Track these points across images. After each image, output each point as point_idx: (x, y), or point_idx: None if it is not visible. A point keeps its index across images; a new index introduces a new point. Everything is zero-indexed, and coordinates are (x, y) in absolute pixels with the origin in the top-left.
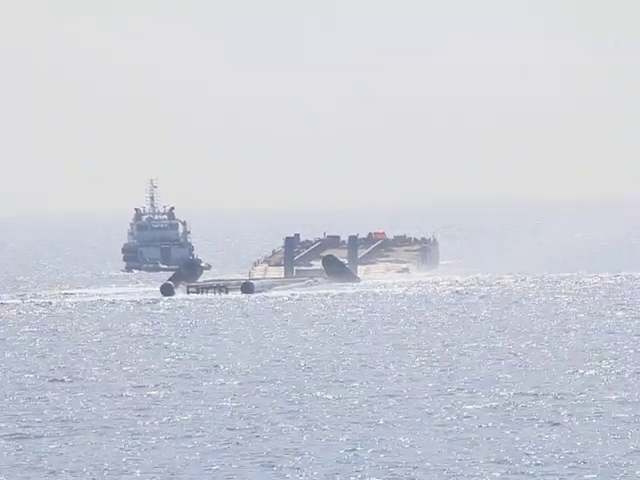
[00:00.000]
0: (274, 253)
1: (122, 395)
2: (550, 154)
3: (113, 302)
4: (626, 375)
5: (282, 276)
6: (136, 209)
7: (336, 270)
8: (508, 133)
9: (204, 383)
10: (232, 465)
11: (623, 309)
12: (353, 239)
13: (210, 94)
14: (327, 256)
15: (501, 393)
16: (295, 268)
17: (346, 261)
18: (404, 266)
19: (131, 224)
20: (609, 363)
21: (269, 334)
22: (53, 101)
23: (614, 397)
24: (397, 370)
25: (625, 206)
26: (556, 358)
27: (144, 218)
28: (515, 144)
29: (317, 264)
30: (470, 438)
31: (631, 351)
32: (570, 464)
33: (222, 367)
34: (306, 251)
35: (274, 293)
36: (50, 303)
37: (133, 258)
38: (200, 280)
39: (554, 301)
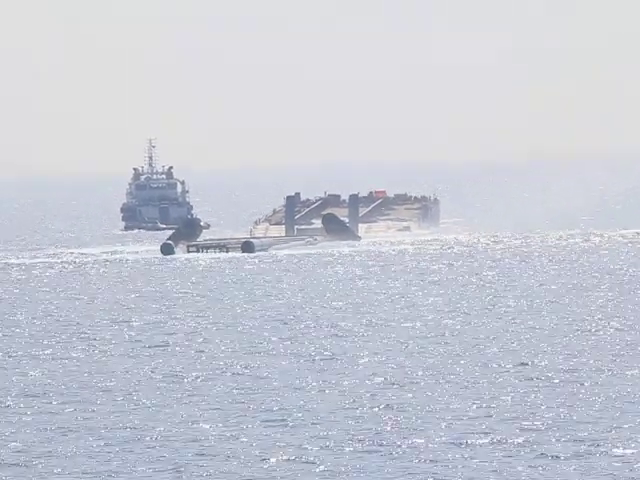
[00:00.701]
0: (275, 212)
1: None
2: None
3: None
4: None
5: (283, 235)
6: (134, 169)
7: (336, 228)
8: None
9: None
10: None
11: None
12: (354, 198)
13: (210, 53)
14: (327, 214)
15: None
16: (296, 227)
17: (347, 220)
18: (405, 224)
19: (130, 184)
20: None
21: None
22: (54, 58)
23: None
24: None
25: None
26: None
27: (142, 178)
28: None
29: (318, 223)
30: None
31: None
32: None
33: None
34: (307, 210)
35: (274, 252)
36: (56, 262)
37: (132, 217)
38: (200, 239)
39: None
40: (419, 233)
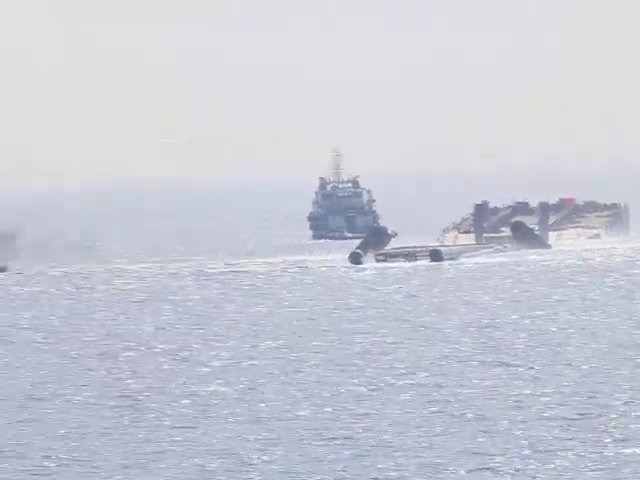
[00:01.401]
0: (463, 220)
1: None
2: None
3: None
4: None
5: (472, 243)
6: (321, 178)
7: (526, 236)
8: None
9: None
10: None
11: None
12: (544, 205)
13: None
14: (516, 222)
15: None
16: (485, 235)
17: (536, 227)
18: (595, 232)
19: (316, 193)
20: None
21: None
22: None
23: None
24: None
25: None
26: None
27: (329, 187)
28: None
29: (507, 231)
30: None
31: None
32: None
33: None
34: (496, 218)
35: (463, 260)
36: (248, 271)
37: (319, 227)
38: (387, 248)
39: None
40: (609, 241)
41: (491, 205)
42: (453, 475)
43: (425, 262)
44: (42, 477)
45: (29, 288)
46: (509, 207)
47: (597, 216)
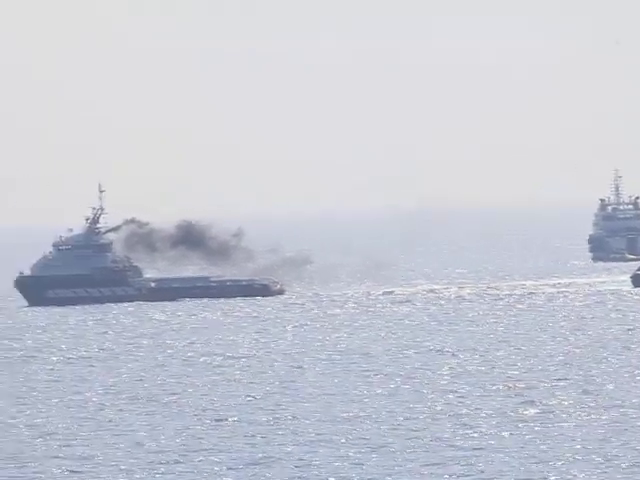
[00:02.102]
0: None
1: None
2: None
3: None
4: None
5: None
6: (601, 199)
7: None
8: None
9: None
10: None
11: None
12: None
13: None
14: None
15: None
16: None
17: None
18: None
19: (596, 214)
20: None
21: None
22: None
23: None
24: None
25: None
26: None
27: (609, 208)
28: None
29: None
30: None
31: None
32: None
33: None
34: None
35: None
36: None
37: (599, 248)
38: None
39: None
40: None
41: None
42: None
43: None
44: None
45: (298, 311)
46: None
47: None
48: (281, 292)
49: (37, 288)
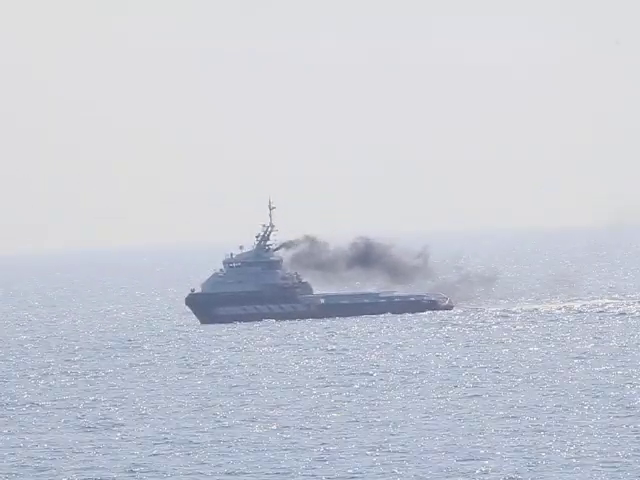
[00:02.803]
0: None
1: None
2: None
3: None
4: None
5: None
6: None
7: None
8: None
9: None
10: None
11: None
12: None
13: None
14: None
15: None
16: None
17: None
18: None
19: None
20: None
21: None
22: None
23: None
24: None
25: None
26: None
27: None
28: None
29: None
30: None
31: None
32: None
33: None
34: None
35: None
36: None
37: None
38: None
39: None
40: None
41: None
42: None
43: None
44: None
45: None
46: None
47: None
48: (449, 307)
49: (208, 306)
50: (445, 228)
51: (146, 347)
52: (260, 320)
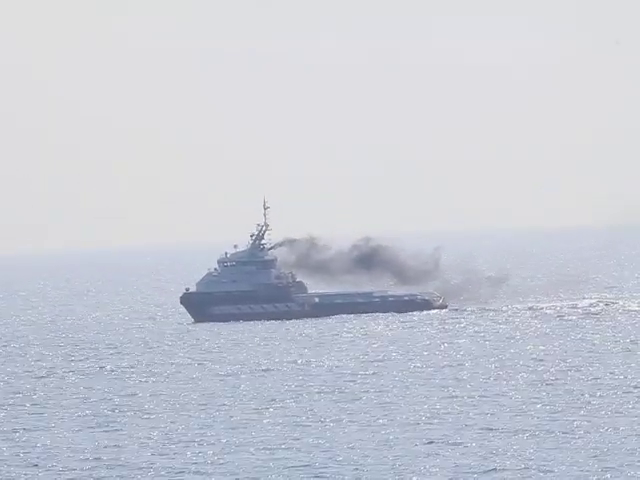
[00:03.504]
0: None
1: None
2: None
3: None
4: None
5: None
6: None
7: None
8: None
9: None
10: None
11: None
12: None
13: None
14: None
15: None
16: None
17: None
18: None
19: None
20: None
21: None
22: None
23: None
24: None
25: None
26: None
27: None
28: None
29: None
30: None
31: None
32: None
33: None
34: None
35: None
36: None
37: None
38: None
39: None
40: None
41: None
42: None
43: None
44: None
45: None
46: None
47: None
48: (443, 307)
49: (202, 305)
50: (445, 228)
51: (146, 347)
52: (254, 319)
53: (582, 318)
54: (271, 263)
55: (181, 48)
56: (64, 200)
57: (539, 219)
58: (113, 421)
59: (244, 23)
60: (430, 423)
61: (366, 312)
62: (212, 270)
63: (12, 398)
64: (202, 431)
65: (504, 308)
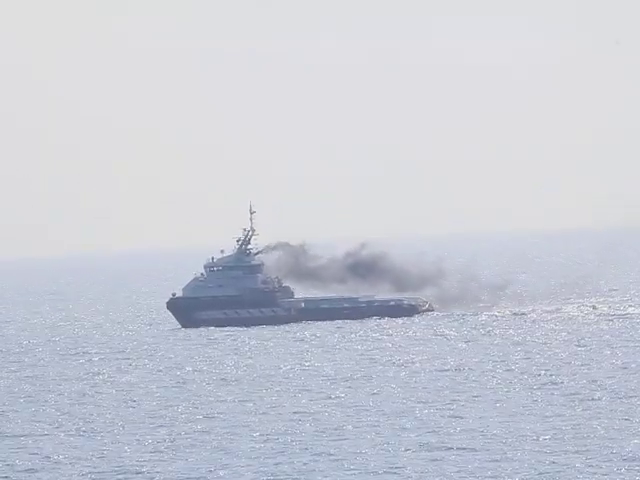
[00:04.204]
0: None
1: None
2: None
3: None
4: None
5: None
6: None
7: None
8: None
9: None
10: None
11: None
12: None
13: None
14: None
15: None
16: None
17: None
18: None
19: None
20: None
21: None
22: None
23: None
24: None
25: None
26: None
27: None
28: None
29: None
30: None
31: None
32: None
33: None
34: None
35: None
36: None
37: None
38: None
39: None
40: None
41: None
42: None
43: None
44: None
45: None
46: None
47: None
48: (430, 311)
49: (188, 310)
50: (444, 230)
51: (145, 349)
52: (241, 324)
53: (578, 321)
54: (257, 268)
55: (181, 48)
56: (64, 200)
57: (539, 220)
58: (110, 426)
59: (244, 23)
60: (421, 428)
61: (352, 318)
62: (198, 275)
63: (11, 401)
64: (201, 437)
65: (497, 313)
